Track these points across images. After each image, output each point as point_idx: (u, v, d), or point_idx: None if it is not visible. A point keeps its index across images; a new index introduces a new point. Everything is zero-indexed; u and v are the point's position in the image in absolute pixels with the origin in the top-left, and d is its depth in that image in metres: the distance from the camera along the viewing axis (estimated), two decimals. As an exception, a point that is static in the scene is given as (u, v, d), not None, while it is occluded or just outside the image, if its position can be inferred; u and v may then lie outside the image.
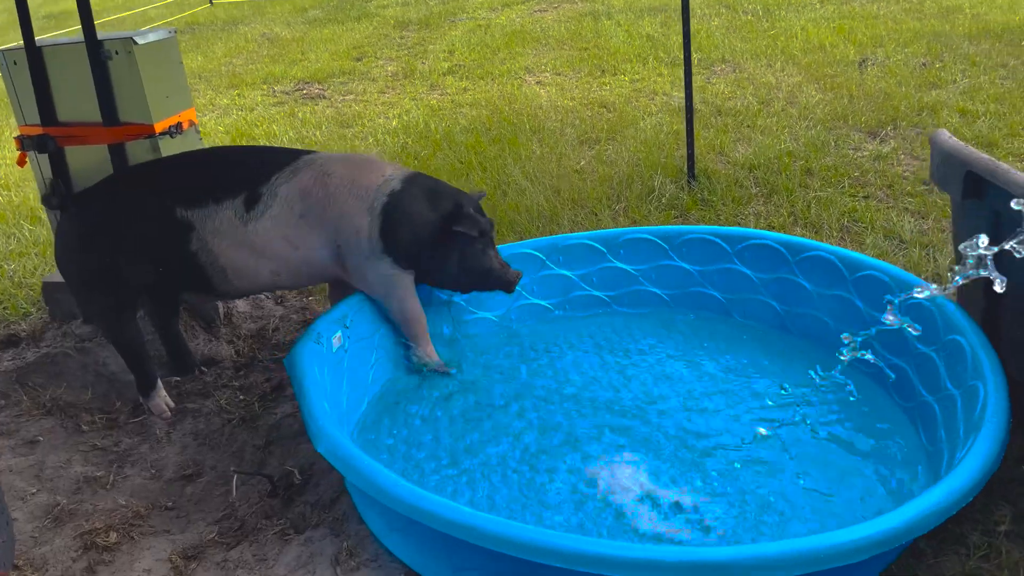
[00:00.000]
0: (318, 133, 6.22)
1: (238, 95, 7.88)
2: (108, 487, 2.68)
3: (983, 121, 5.08)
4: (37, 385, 3.12)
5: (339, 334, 2.70)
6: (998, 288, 2.09)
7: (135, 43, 3.17)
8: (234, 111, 7.29)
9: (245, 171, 2.77)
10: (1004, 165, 2.21)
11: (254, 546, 2.35)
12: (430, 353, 2.93)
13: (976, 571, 2.01)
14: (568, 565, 1.70)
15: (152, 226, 2.76)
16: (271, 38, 10.72)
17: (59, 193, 2.87)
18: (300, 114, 6.79)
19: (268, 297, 3.67)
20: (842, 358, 2.39)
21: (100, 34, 3.18)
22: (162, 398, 3.02)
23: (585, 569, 1.68)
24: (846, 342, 2.40)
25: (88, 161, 3.29)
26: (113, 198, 2.83)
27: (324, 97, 7.40)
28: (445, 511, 1.82)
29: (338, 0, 14.14)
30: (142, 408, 3.05)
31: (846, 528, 1.71)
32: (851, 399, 2.54)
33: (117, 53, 3.18)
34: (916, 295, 2.36)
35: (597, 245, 3.23)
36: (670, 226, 3.31)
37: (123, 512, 2.53)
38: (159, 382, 3.03)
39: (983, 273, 2.12)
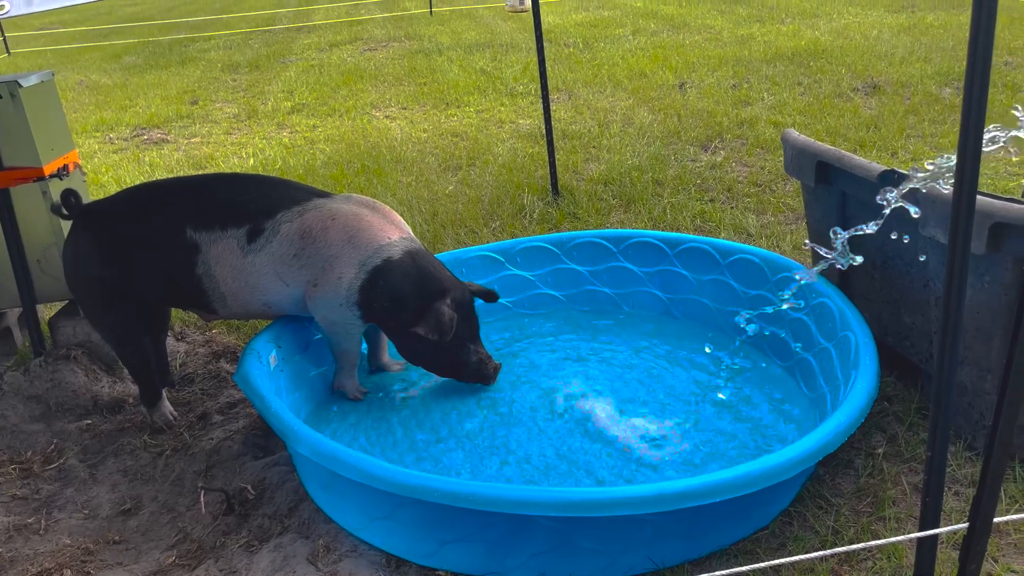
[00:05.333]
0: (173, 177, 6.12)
1: (70, 144, 7.55)
2: (42, 532, 2.62)
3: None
4: (-64, 444, 2.98)
5: (274, 354, 2.79)
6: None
7: (20, 85, 3.14)
8: (70, 160, 6.99)
9: (256, 203, 2.77)
10: (847, 153, 2.69)
11: (220, 562, 2.40)
12: (352, 383, 3.03)
13: (866, 486, 2.42)
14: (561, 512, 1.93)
15: (164, 243, 2.76)
16: (89, 85, 10.28)
17: (71, 204, 2.81)
18: (147, 159, 6.63)
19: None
20: (747, 330, 2.80)
21: (-19, 78, 3.13)
22: (167, 409, 3.08)
23: (576, 514, 1.92)
24: (743, 322, 2.80)
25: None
26: (128, 211, 2.82)
27: (168, 141, 7.25)
28: (443, 485, 1.99)
29: (153, 45, 13.74)
30: (55, 454, 2.98)
31: (777, 451, 2.05)
32: (742, 365, 2.94)
33: (1, 97, 3.13)
34: (796, 278, 2.79)
35: (496, 256, 3.49)
36: (561, 233, 3.61)
37: (70, 551, 2.50)
38: (163, 393, 3.09)
39: (855, 259, 2.54)
